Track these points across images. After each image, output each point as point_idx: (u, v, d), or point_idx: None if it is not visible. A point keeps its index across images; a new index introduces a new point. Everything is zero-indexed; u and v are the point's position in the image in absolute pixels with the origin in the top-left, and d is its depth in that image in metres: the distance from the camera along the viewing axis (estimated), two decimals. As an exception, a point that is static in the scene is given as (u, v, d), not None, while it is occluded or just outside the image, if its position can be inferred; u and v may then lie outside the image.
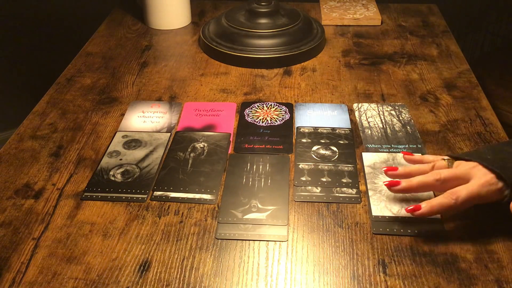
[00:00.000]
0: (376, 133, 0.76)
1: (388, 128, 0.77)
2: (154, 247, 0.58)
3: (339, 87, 0.89)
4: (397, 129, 0.77)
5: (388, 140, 0.75)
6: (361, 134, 0.76)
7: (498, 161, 0.59)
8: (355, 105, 0.83)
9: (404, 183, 0.60)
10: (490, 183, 0.57)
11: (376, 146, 0.73)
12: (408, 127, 0.77)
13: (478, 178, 0.58)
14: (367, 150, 0.73)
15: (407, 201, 0.63)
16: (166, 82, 0.91)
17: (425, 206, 0.57)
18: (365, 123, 0.78)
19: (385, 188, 0.65)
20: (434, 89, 0.88)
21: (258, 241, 0.58)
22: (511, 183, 0.57)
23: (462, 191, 0.57)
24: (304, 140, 0.75)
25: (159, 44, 1.05)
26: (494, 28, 1.72)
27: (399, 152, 0.72)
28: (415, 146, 0.73)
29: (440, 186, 0.59)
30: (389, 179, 0.62)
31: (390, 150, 0.72)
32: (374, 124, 0.78)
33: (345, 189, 0.65)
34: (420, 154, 0.71)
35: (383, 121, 0.79)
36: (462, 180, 0.59)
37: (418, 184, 0.59)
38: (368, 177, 0.67)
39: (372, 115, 0.80)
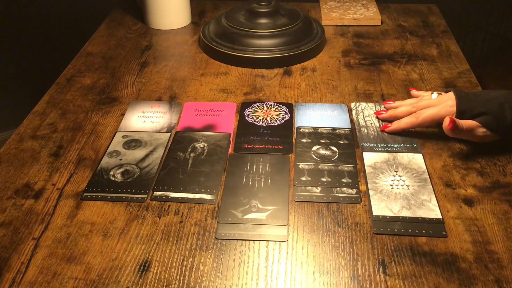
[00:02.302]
0: (372, 132, 0.76)
1: (386, 128, 0.77)
2: (154, 247, 0.58)
3: (339, 87, 0.89)
4: (394, 128, 0.77)
5: (383, 139, 0.75)
6: (357, 133, 0.76)
7: (468, 93, 0.72)
8: (352, 104, 0.83)
9: (395, 125, 0.75)
10: (450, 105, 0.71)
11: (372, 145, 0.73)
12: (406, 127, 0.77)
13: (443, 102, 0.72)
14: (363, 148, 0.73)
15: (408, 201, 0.63)
16: (166, 82, 0.91)
17: (392, 124, 0.75)
18: (362, 122, 0.78)
19: (386, 188, 0.65)
20: (434, 89, 0.88)
21: (258, 241, 0.58)
22: (459, 104, 0.70)
23: (424, 112, 0.72)
24: (304, 140, 0.75)
25: (159, 44, 1.05)
26: (494, 28, 1.72)
27: (394, 151, 0.72)
28: (410, 145, 0.73)
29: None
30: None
31: (386, 149, 0.72)
32: (371, 123, 0.78)
33: (345, 189, 0.65)
34: (419, 154, 0.71)
35: (380, 120, 0.79)
36: None
37: (405, 125, 0.74)
38: (368, 177, 0.67)
39: (369, 114, 0.80)
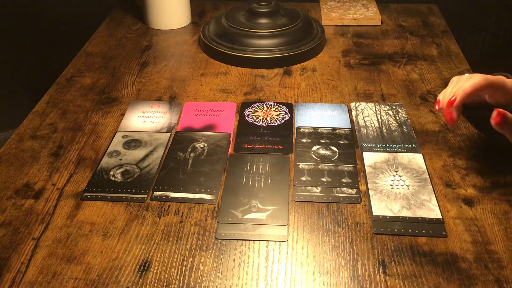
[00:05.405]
0: (372, 132, 0.76)
1: (384, 128, 0.77)
2: (154, 247, 0.58)
3: (339, 87, 0.89)
4: (392, 128, 0.77)
5: (383, 139, 0.75)
6: (356, 133, 0.76)
7: None
8: (352, 104, 0.83)
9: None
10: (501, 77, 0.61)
11: (371, 145, 0.73)
12: (404, 127, 0.77)
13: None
14: (362, 148, 0.73)
15: (408, 201, 0.63)
16: (166, 82, 0.91)
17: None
18: (361, 122, 0.78)
19: (386, 188, 0.65)
20: (434, 89, 0.88)
21: (258, 241, 0.58)
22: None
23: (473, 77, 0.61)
24: (304, 140, 0.75)
25: (159, 44, 1.05)
26: (494, 28, 1.72)
27: (394, 151, 0.72)
28: (409, 145, 0.73)
29: None
30: None
31: (385, 149, 0.72)
32: (371, 123, 0.78)
33: (345, 189, 0.65)
34: (419, 154, 0.71)
35: (380, 120, 0.79)
36: None
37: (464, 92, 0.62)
38: (368, 177, 0.67)
39: (369, 114, 0.80)
